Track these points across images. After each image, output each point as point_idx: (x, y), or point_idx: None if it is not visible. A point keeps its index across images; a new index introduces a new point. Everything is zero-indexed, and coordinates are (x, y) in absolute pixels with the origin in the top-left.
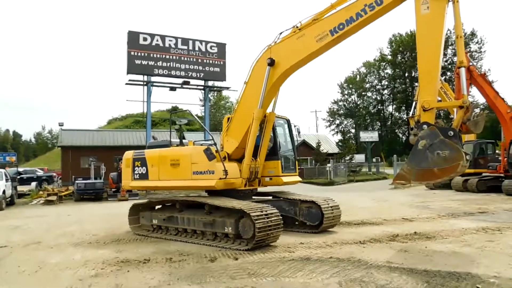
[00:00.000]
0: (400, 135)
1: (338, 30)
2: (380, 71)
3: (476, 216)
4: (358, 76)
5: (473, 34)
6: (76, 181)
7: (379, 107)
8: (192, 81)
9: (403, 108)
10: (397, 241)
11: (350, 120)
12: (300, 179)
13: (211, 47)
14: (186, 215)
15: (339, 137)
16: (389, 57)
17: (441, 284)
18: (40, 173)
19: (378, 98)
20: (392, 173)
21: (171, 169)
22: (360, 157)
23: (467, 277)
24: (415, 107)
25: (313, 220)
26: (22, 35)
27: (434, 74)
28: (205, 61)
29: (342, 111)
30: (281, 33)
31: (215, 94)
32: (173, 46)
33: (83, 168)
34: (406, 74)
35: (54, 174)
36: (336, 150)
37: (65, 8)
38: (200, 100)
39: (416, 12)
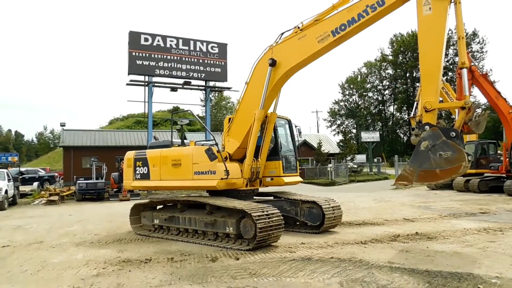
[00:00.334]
0: (401, 136)
1: (339, 31)
2: (381, 71)
3: (477, 216)
4: (359, 76)
5: (474, 34)
6: (78, 181)
7: (380, 107)
8: (193, 82)
9: (404, 108)
10: (399, 241)
11: (351, 120)
12: (301, 179)
13: (212, 47)
14: (187, 215)
15: (340, 137)
16: (390, 57)
17: (442, 284)
18: (42, 173)
19: (379, 98)
20: (394, 173)
21: (173, 169)
22: (361, 157)
23: (469, 277)
24: (416, 108)
25: (314, 220)
26: (24, 35)
27: (435, 75)
28: (206, 61)
29: (343, 111)
30: (282, 34)
31: (216, 94)
32: (174, 46)
33: (84, 168)
34: (408, 74)
35: (56, 174)
36: (337, 150)
37: (66, 8)
38: (201, 100)
39: (418, 13)
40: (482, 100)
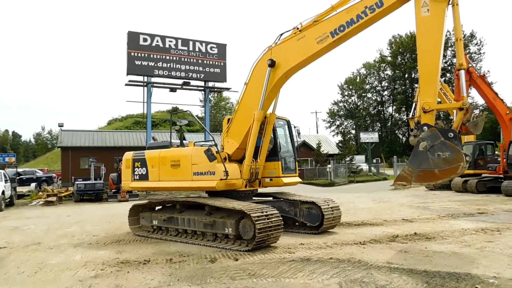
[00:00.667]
0: (400, 136)
1: (338, 32)
2: (380, 72)
3: (475, 216)
4: (358, 77)
5: (472, 35)
6: (76, 182)
7: (379, 108)
8: (192, 82)
9: (403, 109)
10: (397, 241)
11: (350, 121)
12: (300, 180)
13: (211, 48)
14: (186, 216)
15: (339, 138)
16: (389, 58)
17: (440, 284)
18: (39, 173)
19: (378, 99)
20: (392, 174)
21: (172, 170)
22: (360, 158)
23: (467, 277)
24: (415, 108)
25: (313, 221)
26: (21, 35)
27: (434, 76)
28: (205, 62)
29: (342, 112)
30: (281, 34)
31: (216, 95)
32: (173, 46)
33: (83, 169)
34: (406, 75)
35: (54, 174)
36: (336, 151)
37: (65, 8)
38: (201, 101)
39: (416, 14)
40: (480, 101)
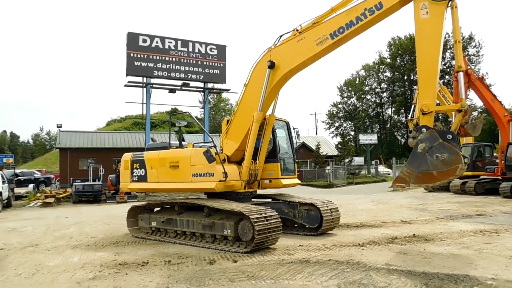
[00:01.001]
0: (399, 138)
1: (338, 33)
2: (379, 74)
3: (474, 218)
4: (357, 79)
5: (471, 38)
6: (74, 183)
7: (378, 109)
8: (192, 83)
9: (402, 111)
10: (396, 243)
11: (350, 122)
12: (299, 181)
13: (211, 49)
14: (185, 217)
15: (338, 139)
16: (388, 60)
17: (439, 286)
18: (37, 175)
19: (377, 101)
20: (391, 175)
21: (170, 171)
22: (359, 160)
23: (465, 279)
24: (414, 110)
25: (312, 222)
26: (21, 35)
27: (433, 78)
28: (205, 63)
29: (341, 114)
30: (281, 36)
31: (215, 96)
32: (172, 47)
33: (81, 170)
34: (405, 77)
35: (52, 176)
36: (335, 152)
37: (64, 9)
38: (200, 102)
39: (416, 17)
40: (479, 103)
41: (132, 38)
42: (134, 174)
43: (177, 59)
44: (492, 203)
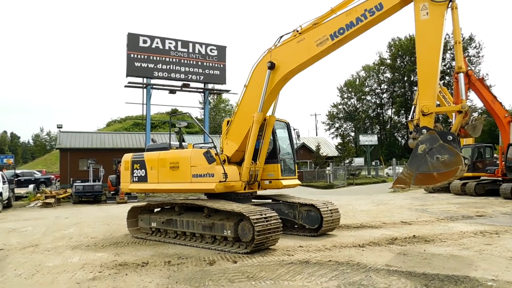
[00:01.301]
0: (399, 139)
1: (338, 34)
2: (379, 75)
3: (474, 219)
4: (357, 80)
5: (471, 39)
6: (75, 184)
7: (378, 110)
8: (192, 84)
9: (402, 112)
10: (396, 244)
11: (350, 123)
12: (299, 182)
13: (211, 49)
14: (185, 218)
15: (338, 140)
16: (389, 61)
17: (439, 287)
18: (38, 175)
19: (378, 102)
20: (392, 176)
21: (171, 172)
22: (359, 161)
23: (465, 280)
24: (414, 111)
25: (312, 223)
26: (21, 35)
27: (433, 79)
28: (205, 63)
29: (341, 115)
30: (281, 37)
31: (215, 97)
32: (173, 48)
33: (81, 171)
34: (405, 78)
35: (52, 176)
36: (335, 153)
37: (64, 9)
38: (200, 103)
39: (416, 18)
40: (479, 104)
41: (132, 39)
42: (134, 174)
43: (177, 59)
44: (493, 204)
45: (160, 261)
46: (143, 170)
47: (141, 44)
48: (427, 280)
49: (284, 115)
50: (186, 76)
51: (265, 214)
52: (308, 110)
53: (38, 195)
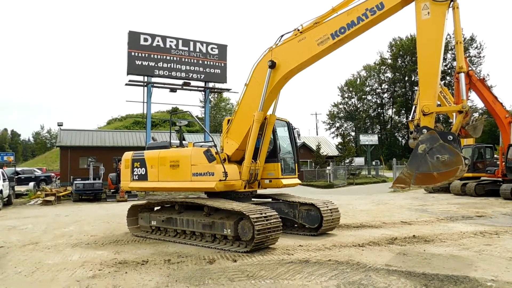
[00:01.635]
0: (400, 139)
1: (339, 33)
2: (380, 75)
3: (474, 219)
4: (358, 80)
5: (472, 39)
6: (75, 182)
7: (379, 110)
8: (193, 83)
9: (403, 111)
10: (396, 244)
11: (350, 123)
12: (299, 181)
13: (212, 48)
14: (185, 216)
15: (339, 140)
16: (389, 61)
17: (439, 287)
18: (38, 173)
19: (378, 102)
20: (392, 176)
21: (171, 170)
22: (359, 160)
23: (465, 280)
24: (414, 111)
25: (312, 222)
26: (22, 34)
27: (434, 79)
28: (206, 62)
29: (342, 114)
30: (282, 36)
31: (216, 95)
32: (173, 47)
33: (82, 169)
34: (406, 78)
35: (53, 174)
36: (336, 152)
37: (65, 8)
38: (201, 101)
39: (417, 17)
40: (479, 104)
41: (133, 37)
42: (135, 173)
43: (178, 58)
44: (493, 205)
45: (160, 260)
46: (143, 169)
47: (142, 42)
48: (427, 280)
49: (284, 114)
50: (186, 75)
51: (265, 213)
52: (308, 109)
53: (38, 193)
